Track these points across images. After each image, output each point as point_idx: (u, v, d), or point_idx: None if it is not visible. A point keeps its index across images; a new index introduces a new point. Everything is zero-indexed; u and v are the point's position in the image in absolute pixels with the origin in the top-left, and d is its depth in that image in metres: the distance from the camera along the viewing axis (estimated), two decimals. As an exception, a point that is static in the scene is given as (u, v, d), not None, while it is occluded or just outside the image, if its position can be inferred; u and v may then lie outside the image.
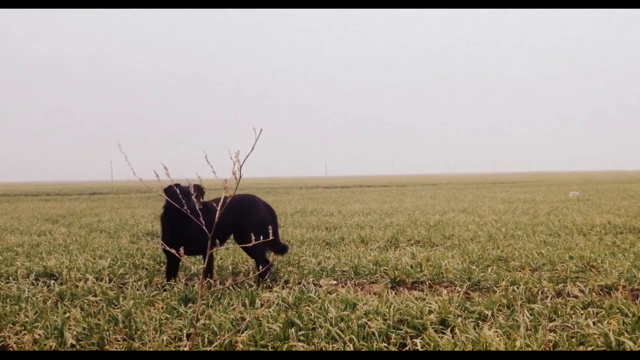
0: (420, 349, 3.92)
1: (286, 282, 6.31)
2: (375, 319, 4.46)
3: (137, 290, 5.81)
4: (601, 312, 4.64)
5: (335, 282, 6.21)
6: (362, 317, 4.48)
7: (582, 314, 4.57)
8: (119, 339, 4.29)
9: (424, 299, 5.07)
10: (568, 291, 5.54)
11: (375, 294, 5.55)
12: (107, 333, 4.37)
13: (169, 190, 5.79)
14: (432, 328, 4.25)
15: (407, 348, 4.03)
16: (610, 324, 4.19)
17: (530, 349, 3.67)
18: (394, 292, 5.61)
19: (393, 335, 4.16)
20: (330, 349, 3.90)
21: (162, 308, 5.07)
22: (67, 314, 4.79)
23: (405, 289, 5.85)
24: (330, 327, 4.27)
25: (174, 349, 4.00)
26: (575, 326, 4.26)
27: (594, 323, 4.26)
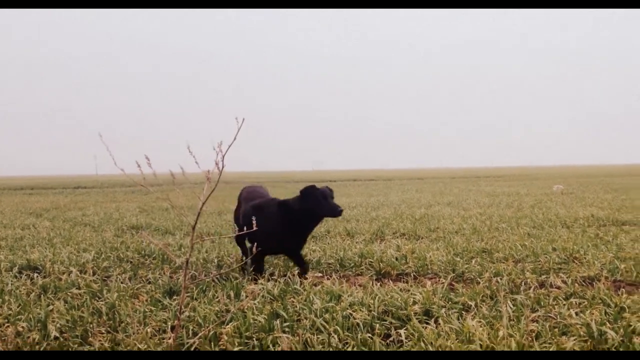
0: (404, 339, 3.94)
1: (271, 274, 6.31)
2: (360, 310, 4.48)
3: (122, 283, 5.78)
4: (583, 302, 4.68)
5: (320, 274, 6.23)
6: (347, 309, 4.49)
7: (564, 305, 4.61)
8: (103, 331, 4.27)
9: (409, 291, 5.09)
10: (551, 282, 5.59)
11: (360, 285, 5.57)
12: (91, 325, 4.35)
13: (309, 191, 5.93)
14: (416, 319, 4.27)
15: (391, 338, 4.05)
16: (593, 314, 4.23)
17: (513, 339, 3.70)
18: (379, 283, 5.63)
19: (377, 326, 4.18)
20: (315, 340, 3.91)
21: (146, 300, 5.05)
22: (51, 307, 4.76)
23: (390, 281, 5.87)
24: (315, 319, 4.27)
25: (157, 341, 3.99)
26: (558, 316, 4.29)
27: (576, 313, 4.29)
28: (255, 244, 4.87)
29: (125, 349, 3.90)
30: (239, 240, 6.98)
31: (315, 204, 5.89)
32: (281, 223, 6.02)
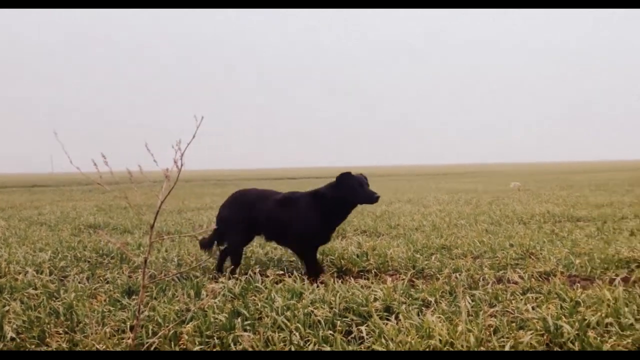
0: (365, 336, 3.96)
1: (232, 272, 6.28)
2: (322, 307, 4.48)
3: (79, 282, 5.68)
4: (540, 297, 4.76)
5: (282, 272, 6.22)
6: (309, 306, 4.49)
7: (521, 300, 4.69)
8: (60, 331, 4.19)
9: (370, 287, 5.11)
10: (508, 277, 5.69)
11: (322, 282, 5.58)
12: (48, 326, 4.27)
13: (345, 178, 5.87)
14: (377, 315, 4.29)
15: (352, 335, 4.07)
16: (549, 308, 4.31)
17: (471, 334, 3.75)
18: (340, 280, 5.65)
19: (339, 322, 4.19)
20: (277, 338, 3.90)
21: (104, 300, 4.98)
22: (7, 307, 4.65)
23: (352, 278, 5.90)
24: (276, 316, 4.27)
25: (116, 341, 3.93)
26: (515, 311, 4.37)
27: (533, 308, 4.37)
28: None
29: (84, 350, 3.84)
30: (240, 243, 6.49)
31: (350, 191, 5.85)
32: (319, 213, 5.97)
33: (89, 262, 7.05)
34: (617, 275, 5.66)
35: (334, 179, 6.00)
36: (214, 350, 3.85)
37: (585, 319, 3.99)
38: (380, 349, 3.69)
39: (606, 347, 3.54)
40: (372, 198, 5.84)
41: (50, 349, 3.89)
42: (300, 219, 6.02)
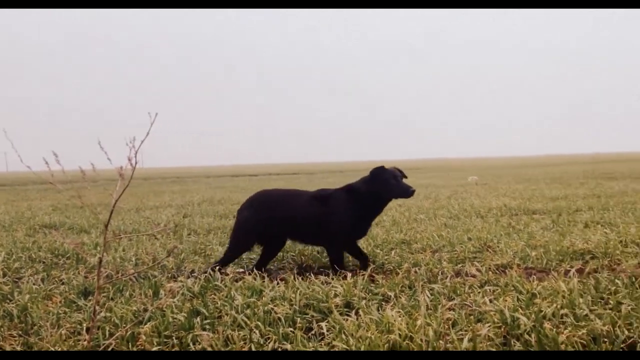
0: (325, 332, 3.96)
1: (192, 271, 6.22)
2: (282, 304, 4.47)
3: (34, 284, 5.54)
4: (497, 290, 4.83)
5: (242, 269, 6.18)
6: (269, 303, 4.48)
7: (479, 292, 4.74)
8: (14, 334, 4.09)
9: (330, 283, 5.12)
10: (466, 271, 5.76)
11: (282, 279, 5.56)
12: (2, 329, 4.17)
13: (379, 172, 5.80)
14: (338, 311, 4.30)
15: (313, 332, 4.07)
16: (506, 300, 4.37)
17: (430, 328, 3.79)
18: (300, 277, 5.64)
19: (299, 319, 4.19)
20: (237, 336, 3.88)
21: (60, 302, 4.88)
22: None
23: (312, 274, 5.89)
24: (236, 315, 4.24)
25: (72, 343, 3.86)
26: (473, 304, 4.42)
27: (490, 300, 4.42)
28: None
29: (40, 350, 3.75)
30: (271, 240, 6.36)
31: (384, 185, 5.81)
32: (354, 209, 5.90)
33: (44, 263, 6.90)
34: (571, 267, 5.77)
35: (368, 173, 5.99)
36: (173, 350, 3.81)
37: (542, 311, 4.06)
38: (340, 344, 3.69)
39: (562, 338, 3.60)
40: (407, 192, 5.84)
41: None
42: (335, 215, 5.94)
